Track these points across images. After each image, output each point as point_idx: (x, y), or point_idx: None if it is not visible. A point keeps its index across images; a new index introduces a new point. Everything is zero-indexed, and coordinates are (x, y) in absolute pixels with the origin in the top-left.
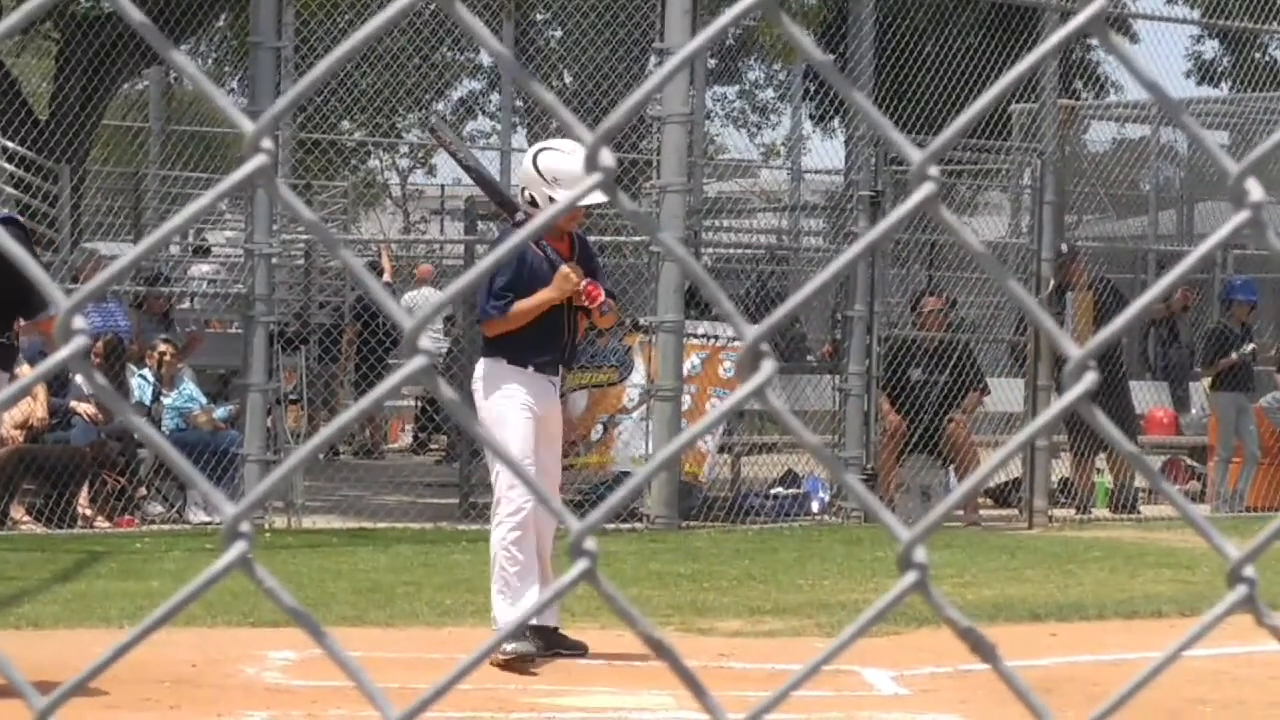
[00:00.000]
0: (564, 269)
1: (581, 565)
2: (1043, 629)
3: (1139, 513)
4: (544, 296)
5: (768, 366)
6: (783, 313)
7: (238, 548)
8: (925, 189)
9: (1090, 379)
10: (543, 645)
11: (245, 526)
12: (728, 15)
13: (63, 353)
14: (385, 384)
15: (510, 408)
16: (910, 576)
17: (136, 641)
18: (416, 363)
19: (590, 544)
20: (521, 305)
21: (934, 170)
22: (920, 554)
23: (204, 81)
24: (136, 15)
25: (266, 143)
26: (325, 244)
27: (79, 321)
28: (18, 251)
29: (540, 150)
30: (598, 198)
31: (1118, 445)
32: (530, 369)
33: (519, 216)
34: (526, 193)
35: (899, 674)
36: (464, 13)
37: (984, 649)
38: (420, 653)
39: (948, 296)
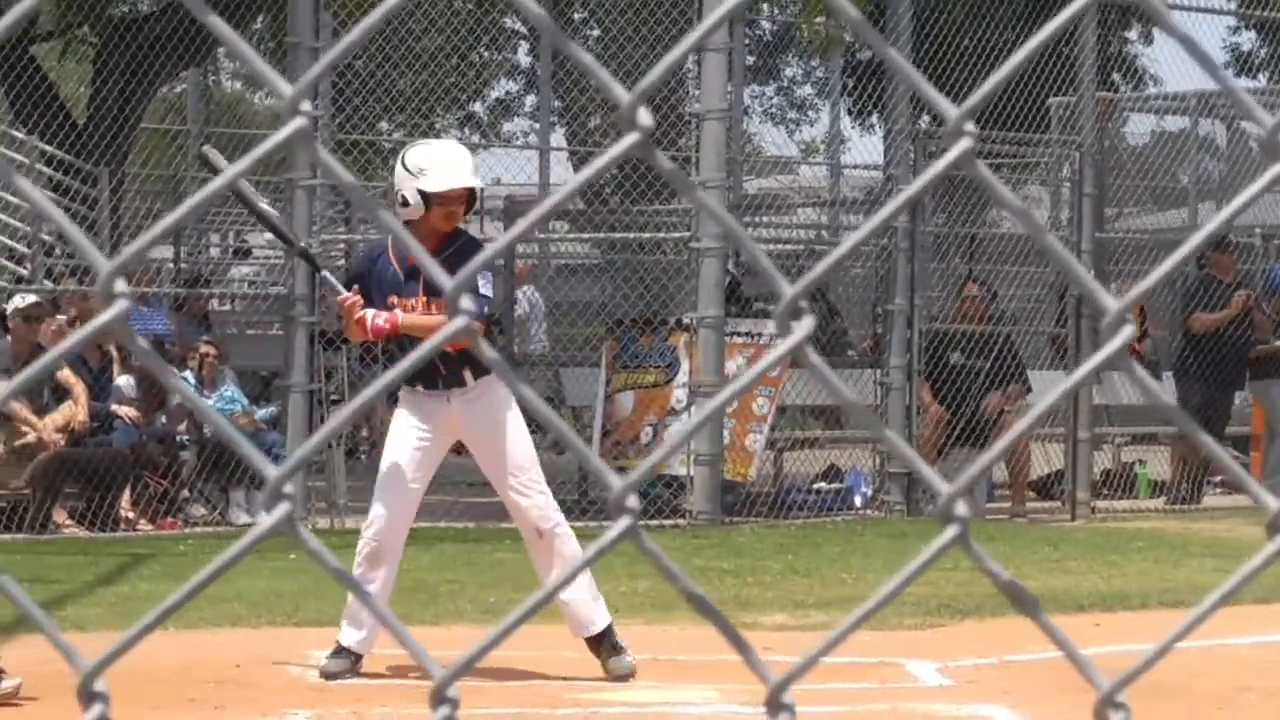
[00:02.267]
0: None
1: (624, 523)
2: (1087, 619)
3: (1201, 503)
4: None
5: (806, 322)
6: (822, 268)
7: (282, 508)
8: (962, 144)
9: (1128, 331)
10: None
11: (289, 488)
12: None
13: (106, 315)
14: (428, 344)
15: (395, 429)
16: (951, 530)
17: (185, 601)
18: (457, 323)
19: (632, 502)
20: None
21: (970, 126)
22: (961, 508)
23: (241, 45)
24: None
25: (305, 105)
26: (363, 206)
27: (120, 284)
28: (57, 213)
29: (406, 150)
30: (469, 180)
31: (1160, 405)
32: (417, 388)
33: (305, 244)
34: (399, 195)
35: (943, 665)
36: None
37: (1025, 601)
38: (465, 650)
39: (989, 286)
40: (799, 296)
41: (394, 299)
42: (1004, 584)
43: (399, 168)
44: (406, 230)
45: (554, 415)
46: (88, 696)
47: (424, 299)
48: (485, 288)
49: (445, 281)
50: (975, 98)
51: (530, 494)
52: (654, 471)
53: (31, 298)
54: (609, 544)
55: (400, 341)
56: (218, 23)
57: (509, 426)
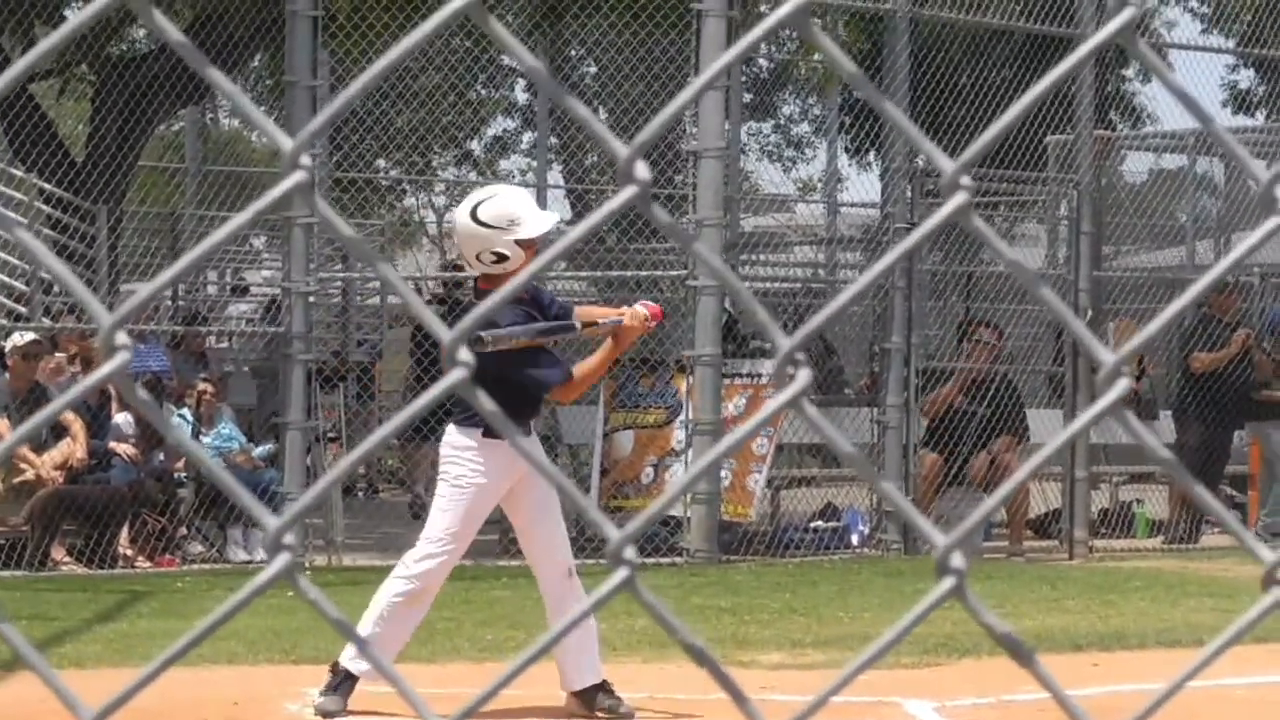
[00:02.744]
0: (632, 310)
1: (621, 574)
2: (1084, 659)
3: (1199, 542)
4: (607, 354)
5: (803, 375)
6: (819, 321)
7: (282, 559)
8: (958, 198)
9: (1123, 385)
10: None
11: (289, 538)
12: (765, 23)
13: (107, 366)
14: (428, 394)
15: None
16: (948, 581)
17: (186, 650)
18: (456, 375)
19: (629, 553)
20: (585, 367)
21: (966, 180)
22: (957, 559)
23: (241, 99)
24: (175, 34)
25: (305, 159)
26: (363, 259)
27: (122, 337)
28: (57, 264)
29: (474, 208)
30: (550, 222)
31: (1157, 456)
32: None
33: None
34: (485, 255)
35: (941, 705)
36: (498, 28)
37: (1021, 653)
38: (461, 688)
39: (999, 330)
40: (796, 349)
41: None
42: (1000, 636)
43: (475, 228)
44: (406, 283)
45: (553, 468)
46: None
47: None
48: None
49: (443, 333)
50: (972, 151)
51: (563, 538)
52: (653, 521)
53: (30, 335)
54: (606, 596)
55: (529, 399)
56: (217, 76)
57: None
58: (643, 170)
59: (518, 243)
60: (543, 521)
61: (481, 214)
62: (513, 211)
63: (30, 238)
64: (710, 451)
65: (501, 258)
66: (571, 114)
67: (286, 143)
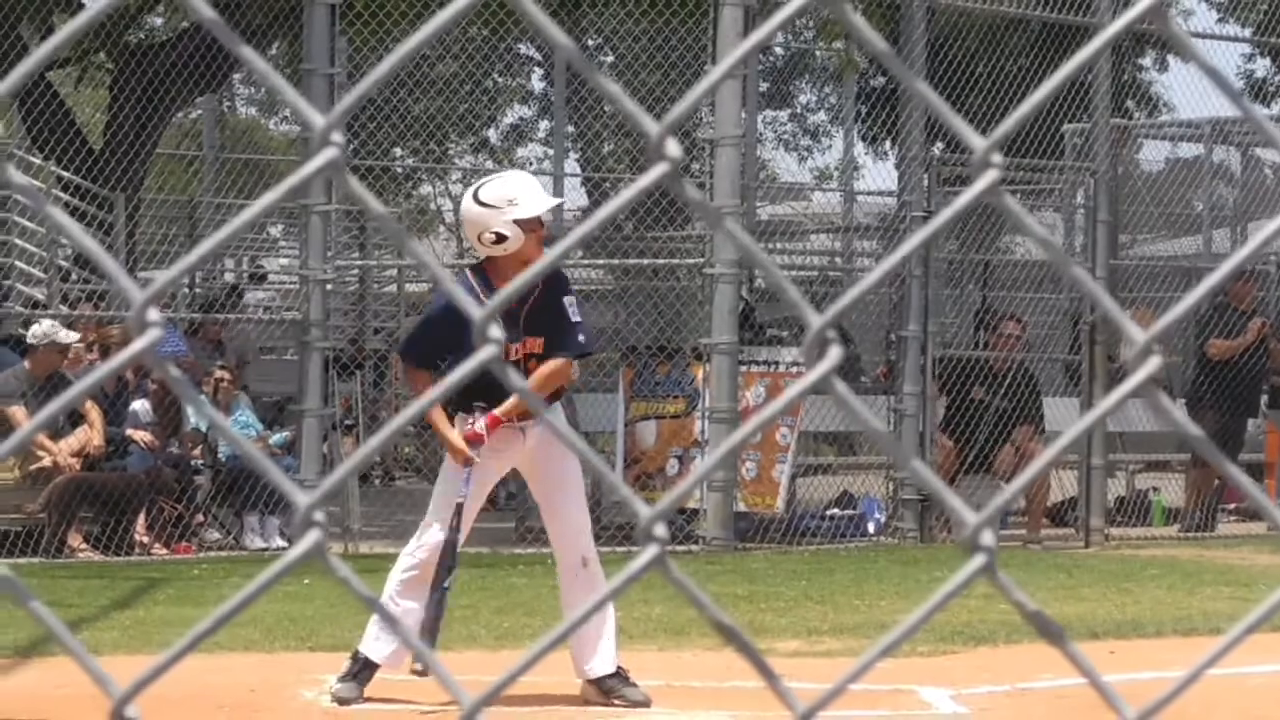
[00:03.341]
0: (458, 443)
1: (652, 551)
2: (1101, 647)
3: (1215, 531)
4: (443, 438)
5: (834, 352)
6: (849, 299)
7: (312, 536)
8: (988, 176)
9: (1154, 362)
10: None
11: (319, 515)
12: (791, 6)
13: (139, 342)
14: (458, 372)
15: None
16: (978, 559)
17: (217, 627)
18: (488, 351)
19: (660, 530)
20: (431, 412)
21: (997, 158)
22: (988, 537)
23: (273, 76)
24: (208, 12)
25: (336, 135)
26: (392, 236)
27: (154, 314)
28: (90, 242)
29: (476, 190)
30: (549, 204)
31: (1185, 433)
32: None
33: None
34: (485, 236)
35: (957, 693)
36: (529, 6)
37: (1052, 632)
38: (478, 675)
39: (1024, 322)
40: (827, 326)
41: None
42: (1030, 614)
43: (475, 208)
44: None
45: (585, 445)
46: None
47: (523, 340)
48: (575, 313)
49: (474, 311)
50: (1002, 129)
51: (581, 523)
52: (681, 501)
53: (53, 324)
54: (638, 572)
55: (493, 388)
56: (250, 54)
57: (570, 457)
58: (674, 148)
59: (516, 222)
60: (560, 498)
61: (482, 194)
62: (511, 192)
63: (63, 215)
64: (740, 430)
65: (501, 238)
66: (601, 91)
67: (319, 120)
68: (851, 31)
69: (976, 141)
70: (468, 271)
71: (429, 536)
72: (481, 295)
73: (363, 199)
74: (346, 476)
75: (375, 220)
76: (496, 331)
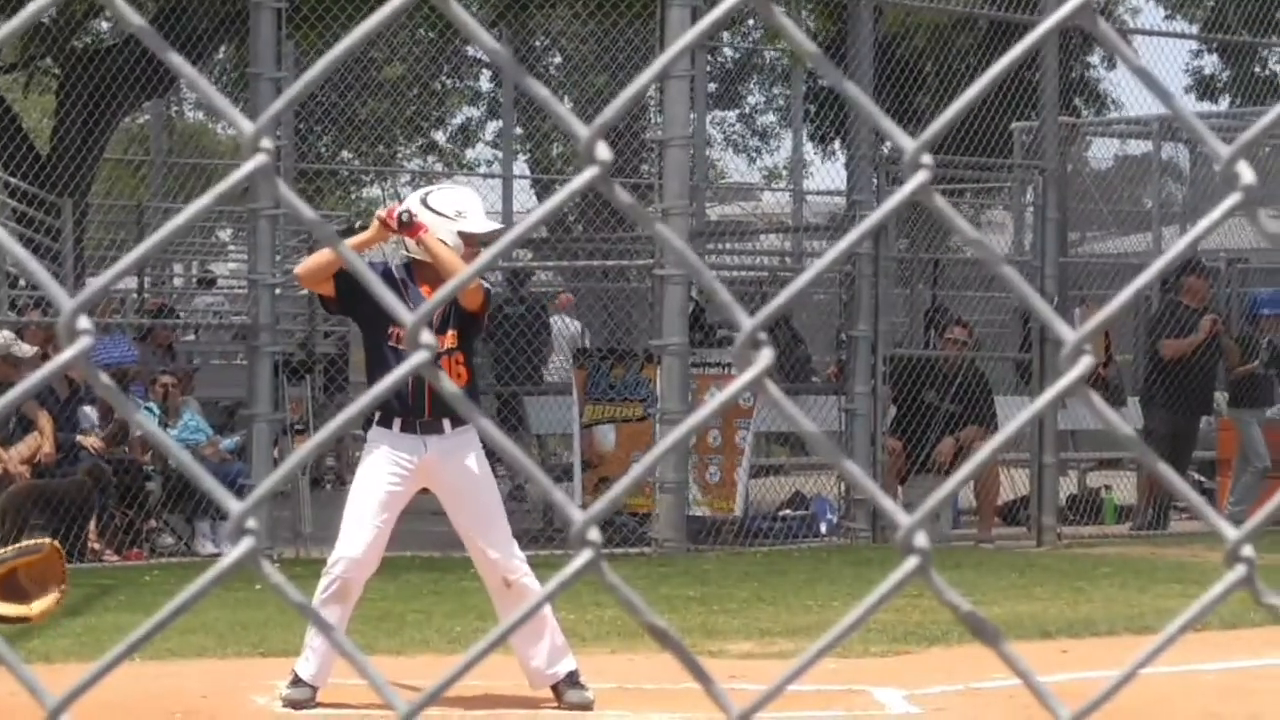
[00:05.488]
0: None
1: (585, 556)
2: (1054, 646)
3: (1167, 528)
4: (356, 239)
5: (765, 354)
6: (781, 301)
7: (246, 543)
8: (919, 176)
9: (1086, 362)
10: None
11: (252, 523)
12: (728, 2)
13: (69, 351)
14: (392, 375)
15: (366, 466)
16: (911, 561)
17: (151, 635)
18: (420, 357)
19: (594, 535)
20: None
21: (927, 159)
22: (921, 539)
23: (202, 83)
24: (136, 20)
25: (266, 142)
26: (324, 239)
27: (84, 321)
28: (20, 250)
29: (425, 195)
30: (493, 226)
31: (1120, 435)
32: (393, 426)
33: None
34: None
35: (910, 693)
36: (459, 11)
37: (986, 633)
38: (431, 680)
39: (970, 327)
40: (758, 329)
41: (398, 330)
42: (965, 615)
43: (423, 211)
44: (368, 263)
45: (518, 450)
46: None
47: (439, 337)
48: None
49: (405, 316)
50: (931, 130)
51: (499, 547)
52: (616, 505)
53: (9, 336)
54: (571, 577)
55: (386, 367)
56: (178, 60)
57: (480, 479)
58: (604, 151)
59: (460, 234)
60: (471, 521)
61: (431, 201)
62: (461, 204)
63: None
64: (673, 432)
65: (441, 244)
66: (533, 96)
67: (247, 126)
68: (786, 39)
69: (906, 142)
70: (392, 265)
71: (344, 552)
72: (404, 291)
73: (292, 205)
74: (277, 484)
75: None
76: (429, 337)
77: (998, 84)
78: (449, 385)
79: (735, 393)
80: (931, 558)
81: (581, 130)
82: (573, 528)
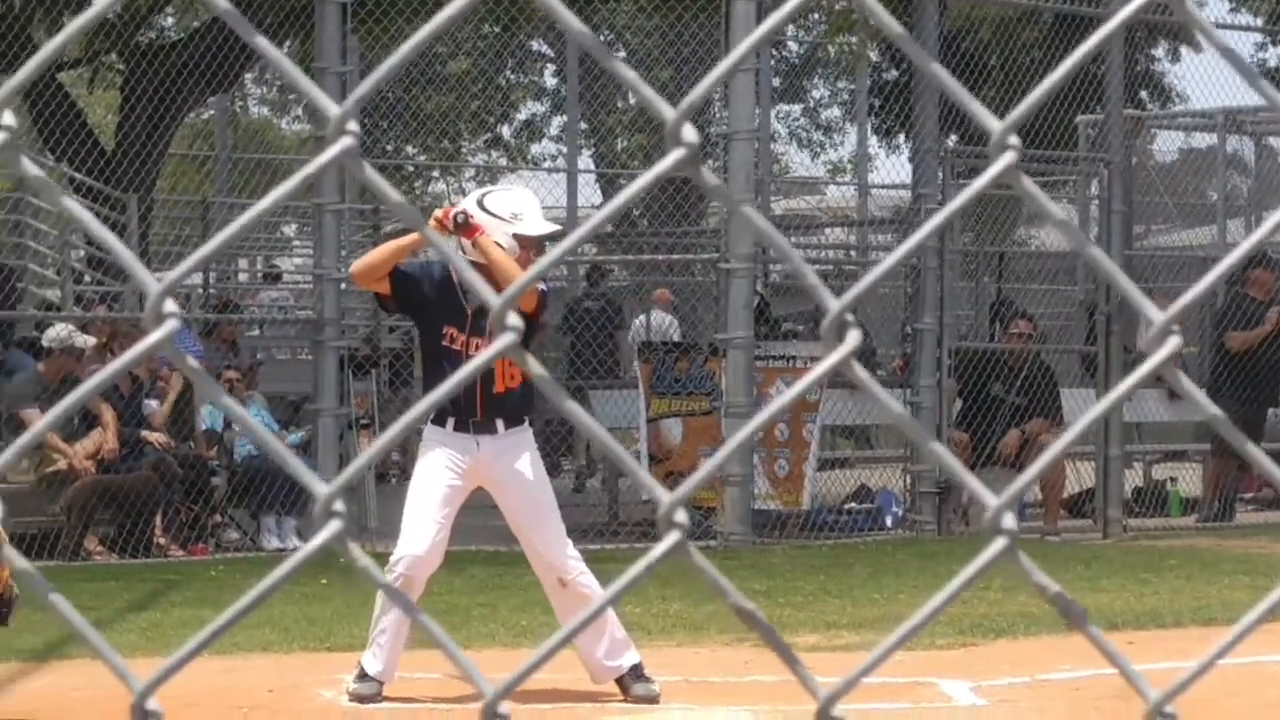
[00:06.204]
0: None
1: (673, 537)
2: (1120, 637)
3: (1233, 520)
4: (407, 240)
5: (853, 336)
6: (867, 283)
7: (332, 526)
8: (1006, 158)
9: (1174, 343)
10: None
11: (338, 505)
12: None
13: (156, 334)
14: (478, 359)
15: (424, 464)
16: (1000, 542)
17: (236, 620)
18: (506, 339)
19: (680, 516)
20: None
21: (1014, 139)
22: (1009, 520)
23: (287, 64)
24: (223, 4)
25: (352, 125)
26: (410, 223)
27: (170, 305)
28: (109, 235)
29: (482, 197)
30: (550, 227)
31: (1215, 423)
32: (447, 425)
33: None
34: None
35: (976, 685)
36: None
37: (1074, 615)
38: (496, 673)
39: (1035, 320)
40: (845, 310)
41: (452, 331)
42: (1054, 596)
43: (479, 213)
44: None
45: (608, 436)
46: (141, 715)
47: (489, 339)
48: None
49: (492, 298)
50: (1018, 112)
51: (553, 546)
52: (703, 485)
53: (69, 329)
54: (658, 559)
55: (440, 367)
56: (264, 43)
57: (534, 478)
58: (690, 133)
59: (516, 237)
60: (527, 521)
61: (488, 203)
62: (518, 207)
63: (77, 206)
64: (757, 416)
65: (497, 247)
66: (619, 78)
67: (334, 109)
68: (870, 17)
69: (993, 124)
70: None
71: (406, 549)
72: (459, 290)
73: (378, 188)
74: (365, 467)
75: (392, 209)
76: (515, 319)
77: (1075, 67)
78: (536, 368)
79: (825, 371)
80: (1018, 539)
81: (669, 112)
82: (660, 510)
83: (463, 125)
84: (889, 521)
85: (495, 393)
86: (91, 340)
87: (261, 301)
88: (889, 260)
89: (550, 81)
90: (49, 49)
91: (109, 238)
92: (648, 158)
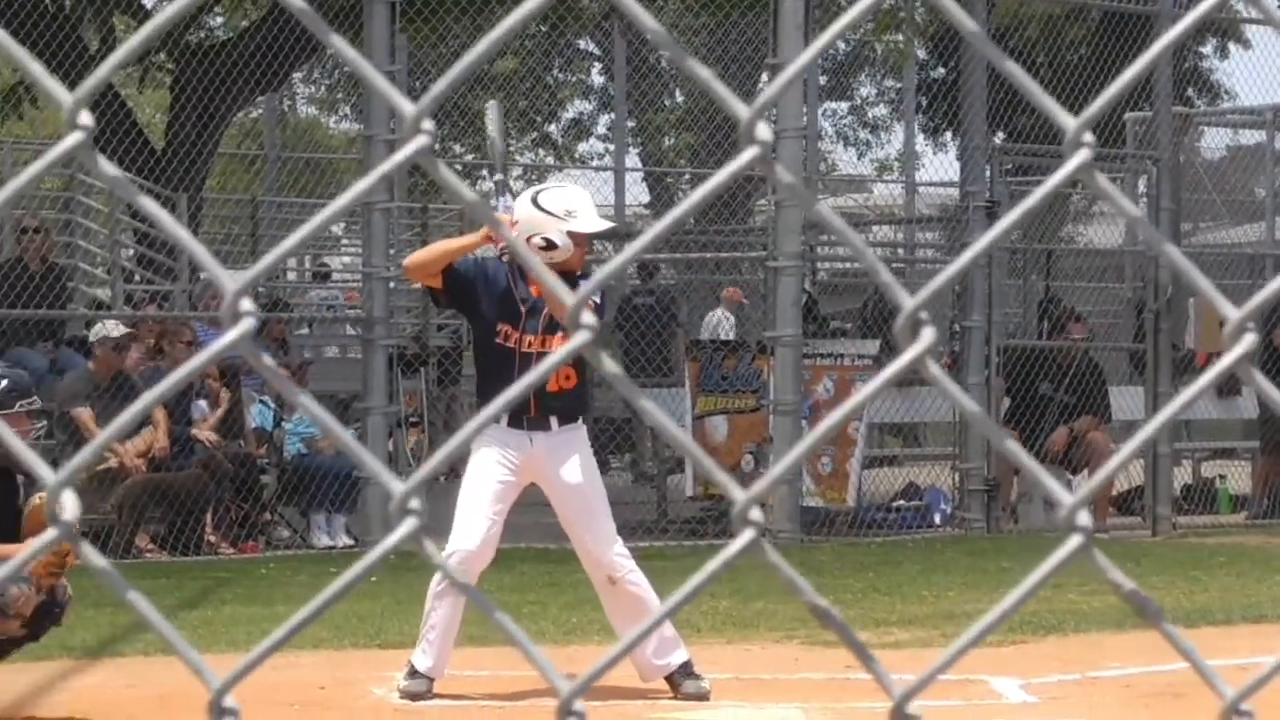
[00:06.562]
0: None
1: (748, 535)
2: None
3: None
4: (465, 240)
5: (928, 334)
6: (942, 280)
7: (409, 523)
8: (1080, 155)
9: (1249, 340)
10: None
11: (415, 503)
12: None
13: (231, 334)
14: (554, 357)
15: (477, 461)
16: (1075, 539)
17: (314, 618)
18: (581, 337)
19: (755, 514)
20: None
21: (1089, 137)
22: (1084, 517)
23: (360, 61)
24: (298, 3)
25: (427, 123)
26: (484, 220)
27: (246, 304)
28: (182, 234)
29: (536, 194)
30: (604, 225)
31: (1274, 403)
32: (501, 422)
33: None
34: (536, 239)
35: (1026, 682)
36: None
37: (1149, 611)
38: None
39: (1087, 322)
40: (919, 308)
41: (506, 328)
42: (1128, 594)
43: (532, 212)
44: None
45: (680, 431)
46: (219, 713)
47: (541, 336)
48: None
49: (567, 296)
50: (1094, 108)
51: (605, 543)
52: (778, 484)
53: (116, 325)
54: (734, 556)
55: (494, 364)
56: (340, 41)
57: (586, 475)
58: (764, 131)
59: (570, 234)
60: (577, 518)
61: (542, 200)
62: (572, 204)
63: (155, 206)
64: (835, 411)
65: (551, 245)
66: (692, 75)
67: (409, 108)
68: (943, 13)
69: (1068, 121)
70: (504, 260)
71: (458, 544)
72: (514, 287)
73: (453, 186)
74: (440, 465)
75: (467, 208)
76: (590, 318)
77: (1110, 74)
78: (610, 365)
79: (902, 368)
80: (1093, 536)
81: (743, 110)
82: (735, 507)
83: (510, 124)
84: (937, 519)
85: (549, 390)
86: (121, 328)
87: (310, 300)
88: (965, 257)
89: (597, 80)
90: (128, 47)
91: (184, 236)
92: (694, 156)
